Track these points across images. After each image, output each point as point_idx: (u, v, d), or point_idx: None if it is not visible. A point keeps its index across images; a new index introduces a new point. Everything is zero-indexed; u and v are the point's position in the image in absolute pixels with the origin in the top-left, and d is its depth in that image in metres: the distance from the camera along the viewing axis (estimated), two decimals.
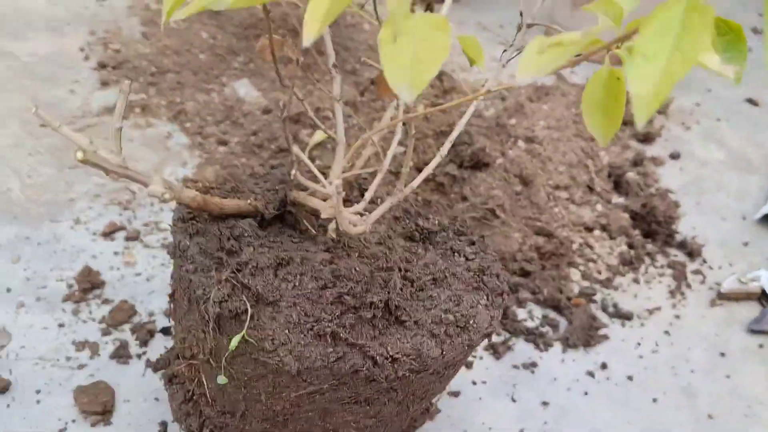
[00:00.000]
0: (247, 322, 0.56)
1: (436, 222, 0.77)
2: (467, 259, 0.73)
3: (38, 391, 0.78)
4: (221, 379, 0.59)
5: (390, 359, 0.58)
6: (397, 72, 0.39)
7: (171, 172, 1.17)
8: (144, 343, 0.85)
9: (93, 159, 0.50)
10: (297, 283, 0.60)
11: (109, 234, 1.01)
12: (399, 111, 0.69)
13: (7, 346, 0.82)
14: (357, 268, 0.64)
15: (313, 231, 0.66)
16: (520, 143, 1.17)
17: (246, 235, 0.62)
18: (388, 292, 0.61)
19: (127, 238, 1.00)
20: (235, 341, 0.55)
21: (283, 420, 0.62)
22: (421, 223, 0.76)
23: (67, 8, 1.65)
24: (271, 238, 0.65)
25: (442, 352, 0.60)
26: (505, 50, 0.67)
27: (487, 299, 0.68)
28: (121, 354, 0.83)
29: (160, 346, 0.85)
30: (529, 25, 0.64)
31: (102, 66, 1.42)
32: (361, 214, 0.60)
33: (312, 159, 1.00)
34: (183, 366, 0.65)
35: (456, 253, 0.73)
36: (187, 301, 0.61)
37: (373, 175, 0.64)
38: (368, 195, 0.61)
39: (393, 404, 0.63)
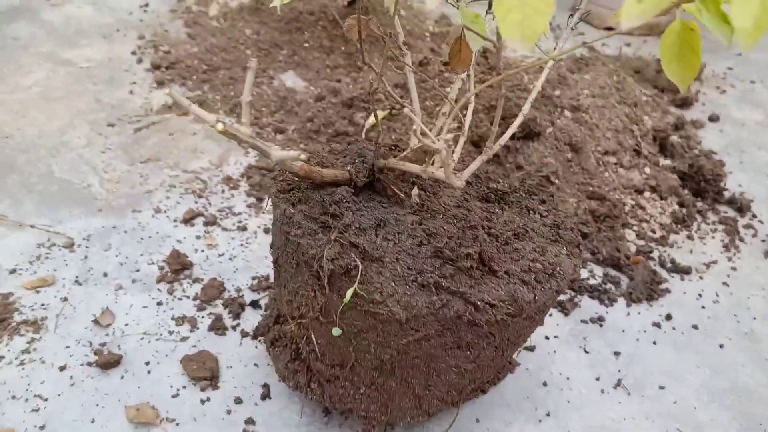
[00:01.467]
0: (358, 277, 0.61)
1: (506, 184, 0.82)
2: (542, 216, 0.78)
3: (147, 363, 0.84)
4: (336, 331, 0.64)
5: (489, 304, 0.63)
6: (510, 27, 0.44)
7: (236, 161, 1.23)
8: (236, 315, 0.91)
9: (230, 130, 0.55)
10: (397, 241, 0.65)
11: (188, 220, 1.07)
12: (470, 83, 0.75)
13: (112, 324, 0.89)
14: (445, 227, 0.69)
15: (402, 195, 0.71)
16: (567, 113, 1.22)
17: (344, 201, 0.68)
18: (480, 245, 0.66)
19: (206, 223, 1.07)
20: (349, 294, 0.61)
21: (391, 368, 0.67)
22: (493, 185, 0.81)
23: (113, 15, 1.72)
24: (365, 204, 0.70)
25: (534, 297, 0.65)
26: (571, 14, 0.71)
27: (567, 249, 0.73)
28: (217, 326, 0.89)
29: (250, 317, 0.92)
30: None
31: (155, 67, 1.49)
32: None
33: (368, 140, 1.05)
34: (292, 326, 0.71)
35: (531, 211, 0.78)
36: (295, 264, 0.67)
37: (456, 140, 0.69)
38: (456, 155, 0.66)
39: (491, 348, 0.68)
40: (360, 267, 0.62)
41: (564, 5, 1.74)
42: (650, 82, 1.59)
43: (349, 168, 0.69)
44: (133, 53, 1.55)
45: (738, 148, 1.42)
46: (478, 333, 0.65)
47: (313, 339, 0.70)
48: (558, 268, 0.68)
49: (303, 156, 0.62)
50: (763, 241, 1.15)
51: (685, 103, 1.54)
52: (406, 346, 0.65)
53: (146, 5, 1.78)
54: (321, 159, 0.78)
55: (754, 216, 1.21)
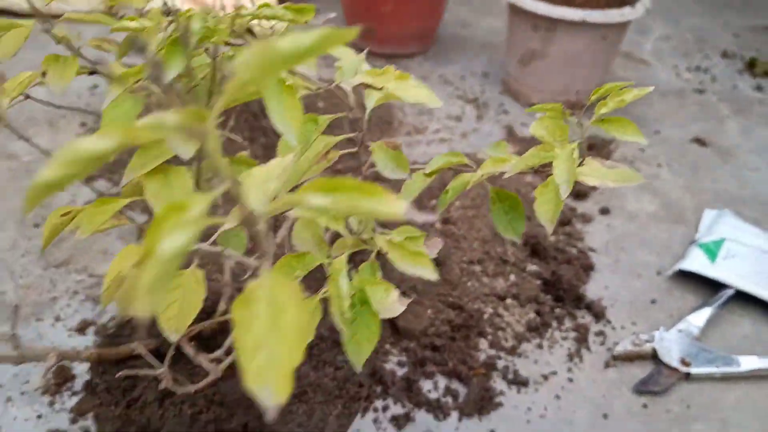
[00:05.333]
0: None
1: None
2: (336, 368, 0.90)
3: None
4: None
5: None
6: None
7: None
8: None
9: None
10: (177, 412, 0.78)
11: (82, 329, 1.21)
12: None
13: None
14: (235, 389, 0.82)
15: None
16: (436, 224, 1.33)
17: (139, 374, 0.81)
18: (248, 415, 0.78)
19: (96, 332, 1.21)
20: None
21: None
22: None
23: (62, 98, 1.88)
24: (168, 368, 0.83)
25: None
26: None
27: (342, 407, 0.85)
28: None
29: None
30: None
31: None
32: (219, 360, 0.78)
33: None
34: None
35: (327, 364, 0.90)
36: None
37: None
38: (228, 341, 0.79)
39: None
40: None
41: (496, 78, 1.84)
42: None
43: (136, 346, 0.82)
44: None
45: (619, 245, 1.51)
46: None
47: None
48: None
49: (85, 353, 0.75)
50: (609, 350, 1.25)
51: (580, 195, 1.64)
52: None
53: (95, 87, 1.93)
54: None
55: (608, 322, 1.30)
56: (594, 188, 1.68)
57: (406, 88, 0.61)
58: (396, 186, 0.76)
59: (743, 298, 1.36)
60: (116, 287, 0.53)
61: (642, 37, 2.63)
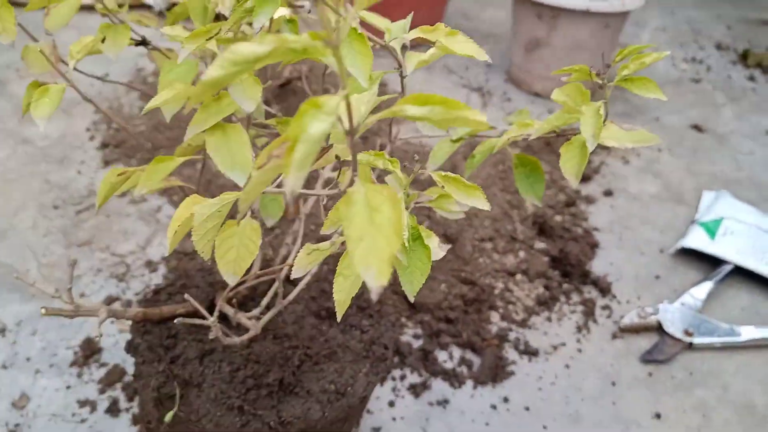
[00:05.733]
0: (177, 402, 0.79)
1: None
2: (362, 331, 0.94)
3: None
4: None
5: (282, 423, 0.80)
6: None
7: (160, 242, 1.41)
8: (131, 398, 1.09)
9: (52, 312, 0.72)
10: (216, 369, 0.82)
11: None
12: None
13: (27, 406, 1.07)
14: (268, 349, 0.86)
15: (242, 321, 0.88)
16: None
17: (180, 333, 0.85)
18: (284, 371, 0.82)
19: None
20: (169, 416, 0.78)
21: None
22: (326, 303, 0.98)
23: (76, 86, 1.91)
24: (204, 332, 0.87)
25: (324, 414, 0.82)
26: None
27: (371, 366, 0.89)
28: (112, 409, 1.07)
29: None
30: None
31: (104, 146, 1.68)
32: (258, 318, 0.82)
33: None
34: (144, 428, 0.89)
35: (353, 327, 0.94)
36: (141, 384, 0.85)
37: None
38: (264, 301, 0.83)
39: None
40: (179, 394, 0.79)
41: (499, 68, 1.89)
42: (557, 154, 1.73)
43: (181, 308, 0.86)
44: (88, 129, 1.74)
45: (623, 224, 1.56)
46: None
47: None
48: (349, 388, 0.84)
49: (132, 312, 0.79)
50: (615, 322, 1.30)
51: (584, 177, 1.69)
52: None
53: (106, 75, 1.96)
54: (186, 281, 0.96)
55: (614, 297, 1.35)
56: (597, 171, 1.73)
57: (456, 42, 0.65)
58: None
59: (741, 272, 1.41)
60: (183, 232, 0.57)
61: (639, 28, 2.69)
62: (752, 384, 1.19)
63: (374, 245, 0.32)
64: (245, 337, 0.77)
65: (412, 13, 0.69)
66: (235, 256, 0.60)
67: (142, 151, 1.66)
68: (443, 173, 0.58)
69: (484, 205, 0.56)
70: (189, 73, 0.62)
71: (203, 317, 0.73)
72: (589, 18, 1.76)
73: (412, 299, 0.50)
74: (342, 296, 0.55)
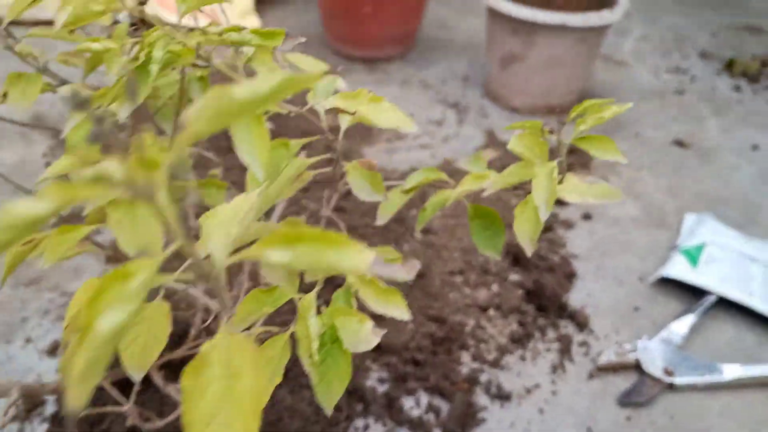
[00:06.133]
0: None
1: None
2: (313, 391, 0.87)
3: None
4: None
5: None
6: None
7: None
8: None
9: None
10: None
11: (53, 351, 1.18)
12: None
13: None
14: None
15: None
16: (417, 235, 1.31)
17: (109, 403, 0.78)
18: None
19: None
20: None
21: None
22: None
23: (36, 111, 1.83)
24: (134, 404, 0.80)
25: None
26: None
27: None
28: None
29: None
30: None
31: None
32: None
33: None
34: None
35: (303, 387, 0.87)
36: None
37: None
38: None
39: None
40: None
41: (478, 81, 1.82)
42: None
43: None
44: (44, 155, 1.66)
45: (601, 250, 1.50)
46: None
47: None
48: None
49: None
50: (592, 360, 1.24)
51: (562, 201, 1.62)
52: None
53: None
54: None
55: (591, 331, 1.29)
56: None
57: (379, 111, 0.59)
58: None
59: (726, 303, 1.35)
60: (75, 330, 0.50)
61: (621, 37, 2.63)
62: (738, 428, 1.13)
63: (226, 429, 0.25)
64: (171, 417, 0.70)
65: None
66: (141, 348, 0.53)
67: None
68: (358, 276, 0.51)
69: (402, 314, 0.50)
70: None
71: (127, 395, 0.67)
72: (565, 33, 1.70)
73: (329, 413, 0.44)
74: None
